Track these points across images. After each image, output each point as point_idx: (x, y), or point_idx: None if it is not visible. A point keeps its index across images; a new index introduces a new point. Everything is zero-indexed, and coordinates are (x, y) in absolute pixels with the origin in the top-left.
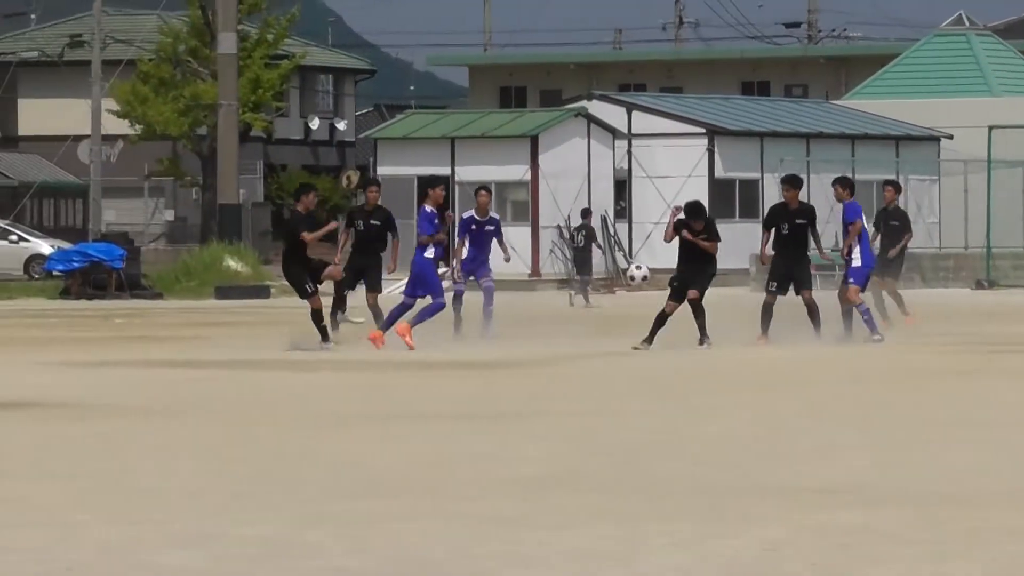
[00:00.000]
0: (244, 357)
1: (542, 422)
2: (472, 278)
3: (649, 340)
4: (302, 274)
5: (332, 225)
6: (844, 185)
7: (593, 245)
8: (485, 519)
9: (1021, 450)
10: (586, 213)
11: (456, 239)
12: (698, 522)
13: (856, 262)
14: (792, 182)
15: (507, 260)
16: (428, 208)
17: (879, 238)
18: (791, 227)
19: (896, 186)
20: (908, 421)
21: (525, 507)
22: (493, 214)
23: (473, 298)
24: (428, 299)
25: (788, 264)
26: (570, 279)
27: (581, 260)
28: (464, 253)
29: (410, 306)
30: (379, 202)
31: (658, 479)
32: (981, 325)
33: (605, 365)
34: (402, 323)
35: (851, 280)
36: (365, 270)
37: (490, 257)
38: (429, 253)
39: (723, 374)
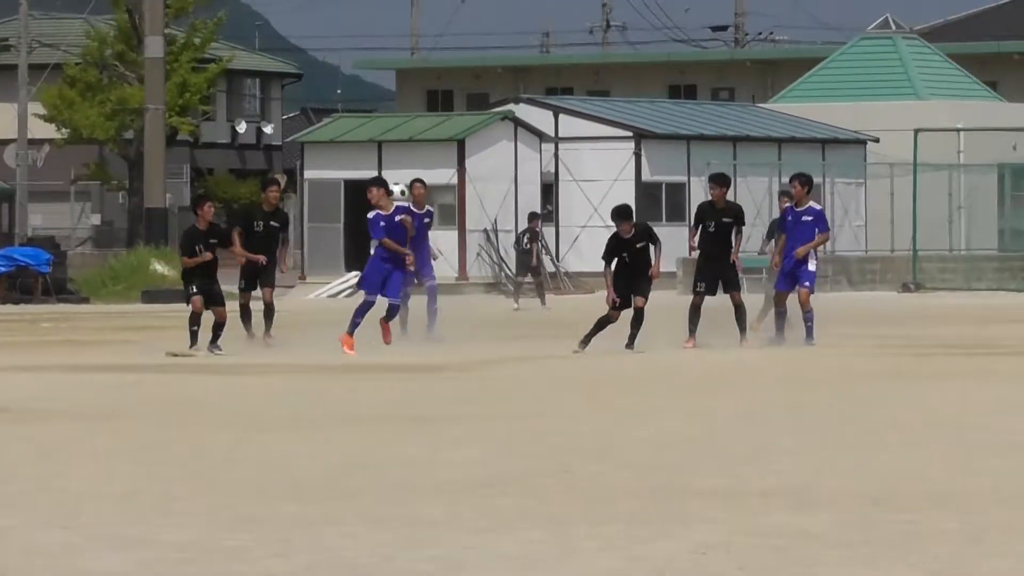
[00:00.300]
0: (172, 361)
1: (470, 426)
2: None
3: (630, 344)
4: (191, 280)
5: (207, 256)
6: (804, 183)
7: (541, 247)
8: (413, 522)
9: (950, 452)
10: (533, 216)
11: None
12: (629, 525)
13: (811, 266)
14: (719, 180)
15: (434, 258)
16: (376, 213)
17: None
18: (717, 225)
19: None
20: (840, 424)
21: (453, 511)
22: (429, 207)
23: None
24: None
25: (714, 265)
26: (510, 281)
27: (523, 262)
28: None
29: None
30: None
31: (588, 482)
32: (908, 328)
33: (536, 368)
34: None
35: (806, 284)
36: (263, 269)
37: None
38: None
39: (654, 377)
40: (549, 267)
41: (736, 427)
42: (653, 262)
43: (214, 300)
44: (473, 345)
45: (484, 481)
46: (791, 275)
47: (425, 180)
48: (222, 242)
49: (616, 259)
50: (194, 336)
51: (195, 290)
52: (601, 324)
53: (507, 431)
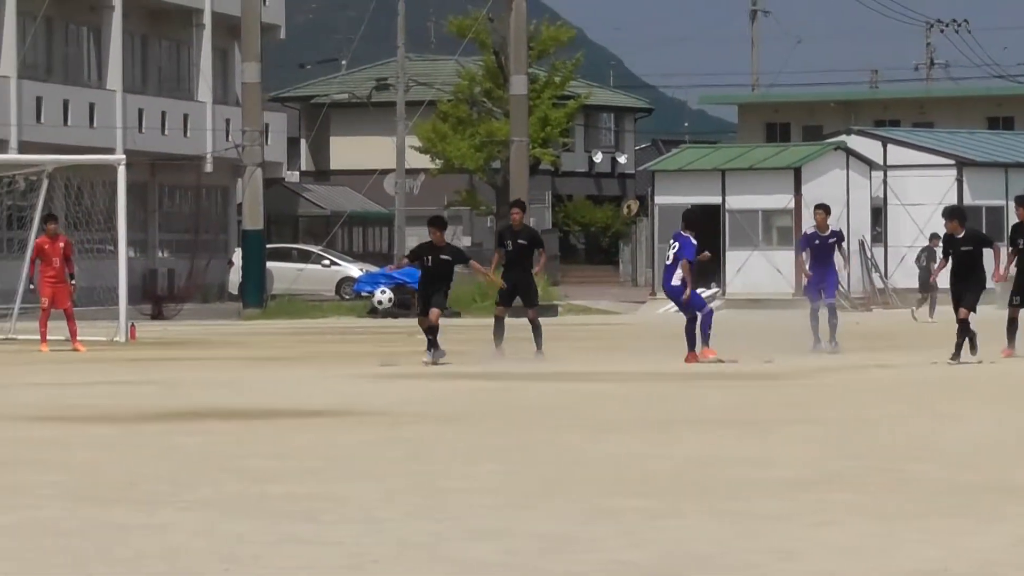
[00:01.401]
0: (536, 370)
1: (803, 428)
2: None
3: (956, 355)
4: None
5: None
6: None
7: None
8: (751, 516)
9: None
10: (933, 237)
11: (797, 255)
12: (950, 519)
13: None
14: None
15: (847, 272)
16: (687, 235)
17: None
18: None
19: None
20: None
21: (787, 505)
22: (834, 228)
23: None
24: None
25: None
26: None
27: (924, 279)
28: (807, 267)
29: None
30: (524, 223)
31: (911, 480)
32: None
33: (861, 376)
34: (704, 348)
35: None
36: (518, 286)
37: (837, 272)
38: (675, 281)
39: (968, 384)
40: (878, 283)
41: None
42: (996, 266)
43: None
44: (805, 355)
45: (816, 479)
46: None
47: (764, 206)
48: (456, 259)
49: (947, 259)
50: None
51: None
52: (961, 331)
53: (836, 433)
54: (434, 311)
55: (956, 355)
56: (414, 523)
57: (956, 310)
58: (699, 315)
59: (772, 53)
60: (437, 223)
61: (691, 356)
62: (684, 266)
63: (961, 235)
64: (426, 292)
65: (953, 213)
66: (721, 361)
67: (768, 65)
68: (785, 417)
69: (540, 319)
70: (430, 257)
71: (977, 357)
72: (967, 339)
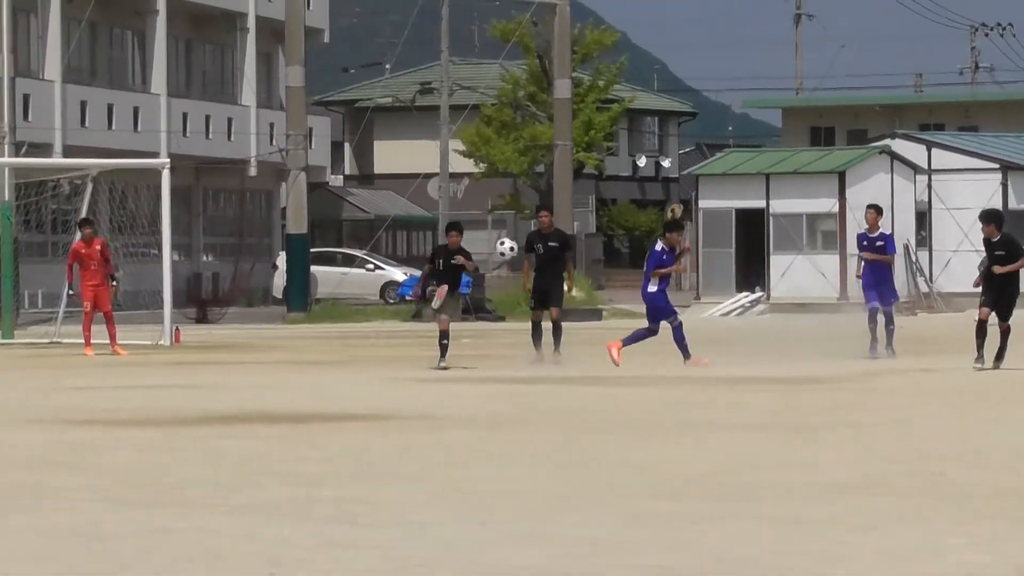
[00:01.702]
0: (577, 374)
1: (846, 432)
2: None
3: (980, 358)
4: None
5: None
6: None
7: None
8: (793, 520)
9: None
10: None
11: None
12: (994, 523)
13: None
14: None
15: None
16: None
17: None
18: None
19: None
20: None
21: (829, 510)
22: (883, 230)
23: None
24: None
25: None
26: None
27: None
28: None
29: (655, 332)
30: (555, 226)
31: (954, 484)
32: None
33: (904, 381)
34: (616, 342)
35: None
36: (550, 289)
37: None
38: (652, 287)
39: (1006, 389)
40: (923, 287)
41: None
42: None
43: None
44: (852, 360)
45: (858, 483)
46: None
47: (808, 210)
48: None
49: (985, 262)
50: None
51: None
52: (979, 332)
53: (879, 437)
54: (443, 318)
55: (980, 357)
56: (455, 527)
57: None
58: (670, 326)
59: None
60: (456, 227)
61: (695, 359)
62: (656, 273)
63: (996, 239)
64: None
65: (990, 217)
66: (697, 365)
67: (812, 69)
68: (828, 421)
69: (582, 323)
70: (442, 260)
71: (995, 364)
72: (999, 345)
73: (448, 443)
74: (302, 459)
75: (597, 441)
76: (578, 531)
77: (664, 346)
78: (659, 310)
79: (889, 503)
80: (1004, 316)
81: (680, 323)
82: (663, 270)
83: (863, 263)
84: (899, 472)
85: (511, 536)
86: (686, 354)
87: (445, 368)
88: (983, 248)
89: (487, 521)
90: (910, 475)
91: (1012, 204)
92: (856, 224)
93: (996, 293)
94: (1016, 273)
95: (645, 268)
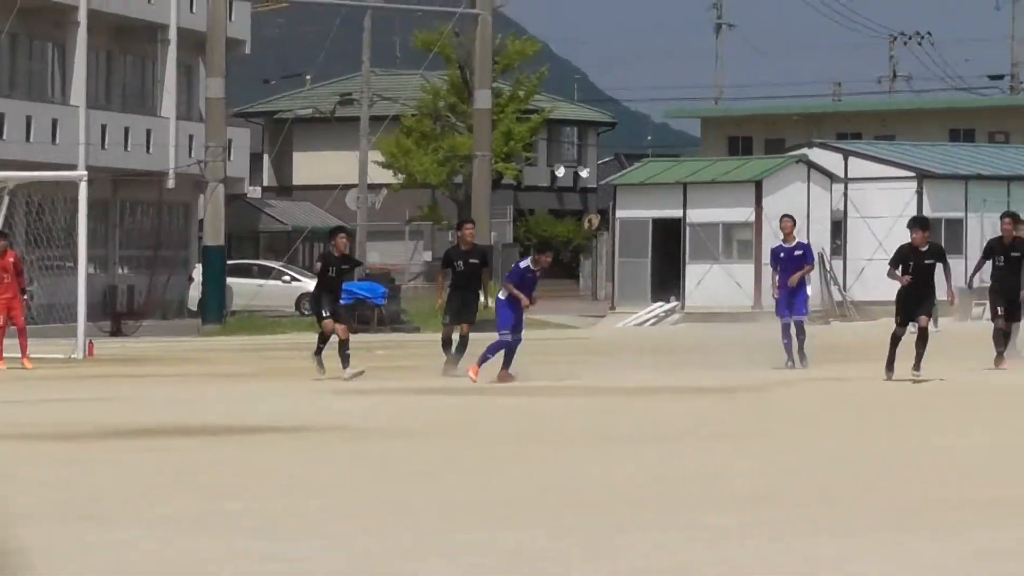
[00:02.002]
0: (491, 385)
1: (753, 442)
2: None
3: (890, 368)
4: (320, 302)
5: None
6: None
7: None
8: (705, 531)
9: None
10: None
11: (770, 269)
12: (906, 533)
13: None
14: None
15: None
16: (522, 264)
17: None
18: (1006, 259)
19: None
20: None
21: (739, 520)
22: (800, 239)
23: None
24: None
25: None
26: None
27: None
28: (776, 281)
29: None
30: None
31: (861, 493)
32: None
33: (815, 389)
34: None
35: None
36: (466, 306)
37: (807, 288)
38: (503, 295)
39: (929, 397)
40: (837, 296)
41: (984, 445)
42: (948, 287)
43: (340, 319)
44: (765, 369)
45: (769, 493)
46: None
47: (725, 219)
48: (353, 268)
49: (900, 267)
50: (320, 354)
51: (327, 313)
52: (893, 342)
53: (788, 446)
54: (340, 325)
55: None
56: (369, 539)
57: (904, 323)
58: (498, 335)
59: (736, 67)
60: (342, 230)
61: (504, 374)
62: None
63: (925, 248)
64: (333, 305)
65: (917, 223)
66: (473, 381)
67: (732, 79)
68: (740, 431)
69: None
70: (335, 268)
71: (918, 374)
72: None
73: (364, 455)
74: (215, 472)
75: (511, 452)
76: (495, 543)
77: (574, 356)
78: (498, 317)
79: (798, 513)
80: (926, 312)
81: (509, 342)
82: (513, 291)
83: (777, 278)
84: (808, 482)
85: (426, 547)
86: (482, 360)
87: (354, 376)
88: (900, 256)
89: (401, 533)
90: (819, 484)
91: (928, 212)
92: (772, 234)
93: (921, 295)
94: (933, 279)
95: (506, 276)
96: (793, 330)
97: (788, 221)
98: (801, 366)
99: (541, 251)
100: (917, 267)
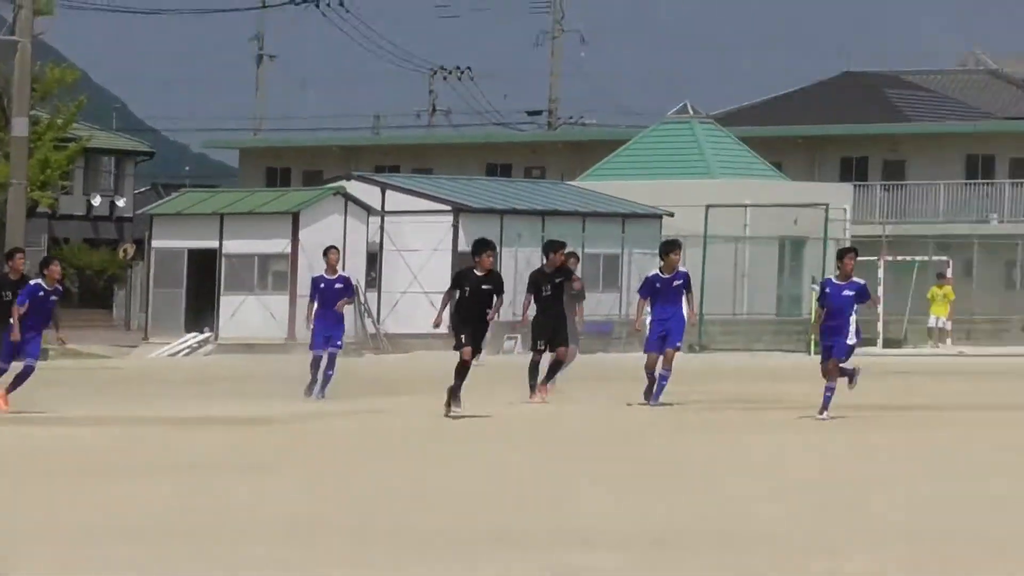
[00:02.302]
0: (35, 415)
1: (287, 473)
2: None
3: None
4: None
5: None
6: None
7: None
8: (237, 566)
9: (728, 497)
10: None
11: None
12: (433, 568)
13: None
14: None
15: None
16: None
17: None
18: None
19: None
20: (635, 472)
21: (280, 552)
22: (343, 272)
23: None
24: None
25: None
26: None
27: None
28: (313, 313)
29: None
30: (492, 267)
31: (394, 525)
32: (696, 384)
33: (350, 423)
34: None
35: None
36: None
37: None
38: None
39: (459, 430)
40: (371, 328)
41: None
42: (492, 312)
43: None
44: (298, 401)
45: (302, 523)
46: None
47: (261, 251)
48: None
49: (457, 293)
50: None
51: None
52: (459, 373)
53: (321, 478)
54: None
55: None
56: None
57: (553, 349)
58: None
59: (279, 99)
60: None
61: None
62: None
63: (486, 273)
64: None
65: (480, 244)
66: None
67: (275, 110)
68: (273, 461)
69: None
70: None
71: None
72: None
73: None
74: None
75: (26, 485)
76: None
77: (114, 386)
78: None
79: (330, 544)
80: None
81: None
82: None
83: (315, 309)
84: (340, 512)
85: None
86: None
87: None
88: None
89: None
90: (350, 515)
91: (462, 246)
92: (308, 266)
93: (474, 319)
94: (486, 305)
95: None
96: (325, 361)
97: (334, 253)
98: (317, 398)
99: None
100: (472, 289)
